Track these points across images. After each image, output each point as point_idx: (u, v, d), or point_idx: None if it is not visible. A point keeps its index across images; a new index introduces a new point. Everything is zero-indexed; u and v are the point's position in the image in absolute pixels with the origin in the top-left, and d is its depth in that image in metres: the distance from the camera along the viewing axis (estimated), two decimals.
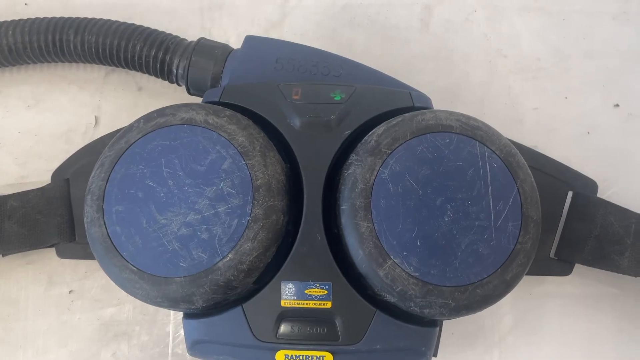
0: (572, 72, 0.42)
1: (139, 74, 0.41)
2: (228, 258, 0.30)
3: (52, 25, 0.38)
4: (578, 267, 0.37)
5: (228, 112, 0.32)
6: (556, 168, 0.37)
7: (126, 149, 0.32)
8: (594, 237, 0.37)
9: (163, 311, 0.38)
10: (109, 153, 0.32)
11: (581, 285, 0.38)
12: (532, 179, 0.32)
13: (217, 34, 0.40)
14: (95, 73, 0.42)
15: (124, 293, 0.36)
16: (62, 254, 0.38)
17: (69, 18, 0.38)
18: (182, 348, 0.37)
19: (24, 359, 0.37)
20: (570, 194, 0.38)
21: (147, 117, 0.32)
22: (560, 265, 0.37)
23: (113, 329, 0.38)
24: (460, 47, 0.43)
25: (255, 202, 0.30)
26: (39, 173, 0.40)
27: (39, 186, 0.39)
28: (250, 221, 0.30)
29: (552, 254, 0.37)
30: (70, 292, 0.38)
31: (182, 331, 0.37)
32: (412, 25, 0.43)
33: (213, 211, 0.30)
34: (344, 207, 0.31)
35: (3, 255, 0.37)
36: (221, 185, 0.30)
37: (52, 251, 0.38)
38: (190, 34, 0.39)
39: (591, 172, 0.38)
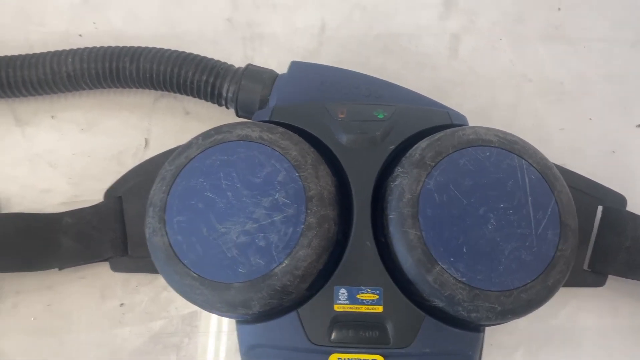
0: (594, 95, 0.44)
1: (186, 99, 0.43)
2: (284, 264, 0.31)
3: (109, 53, 0.41)
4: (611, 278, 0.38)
5: (280, 129, 0.34)
6: (586, 184, 0.39)
7: (186, 164, 0.34)
8: (625, 249, 0.38)
9: (212, 322, 0.39)
10: (170, 167, 0.34)
11: (614, 297, 0.39)
12: (568, 190, 0.33)
13: (258, 62, 0.42)
14: (144, 98, 0.44)
15: (172, 305, 0.37)
16: (115, 268, 0.39)
17: (125, 47, 0.41)
18: (230, 357, 0.38)
19: None
20: (600, 208, 0.39)
21: (205, 135, 0.34)
22: (593, 277, 0.39)
23: (162, 341, 0.39)
24: (487, 72, 0.45)
25: (309, 211, 0.32)
26: (92, 192, 0.41)
27: (92, 204, 0.40)
28: (304, 229, 0.31)
29: (585, 266, 0.39)
30: (121, 305, 0.39)
31: (227, 341, 0.38)
32: (441, 53, 0.45)
33: (269, 220, 0.32)
34: (391, 216, 0.32)
35: (60, 269, 0.39)
36: (276, 196, 0.32)
37: (103, 265, 0.39)
38: (234, 62, 0.42)
39: (618, 188, 0.39)
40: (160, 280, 0.40)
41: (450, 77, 0.45)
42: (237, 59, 0.43)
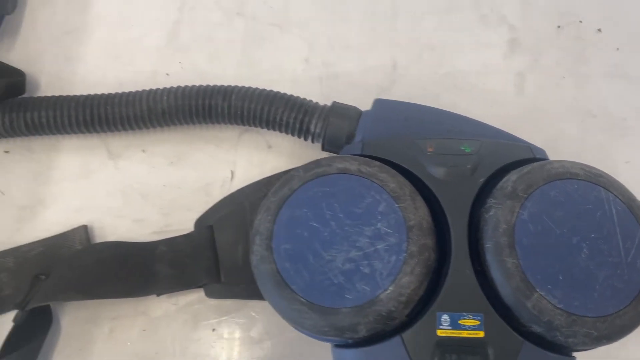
0: None
1: (268, 133, 0.45)
2: (389, 290, 0.32)
3: (202, 91, 0.43)
4: None
5: (377, 163, 0.36)
6: None
7: (290, 195, 0.35)
8: None
9: (300, 346, 0.40)
10: (274, 198, 0.36)
11: None
12: None
13: (334, 99, 0.44)
14: (229, 133, 0.46)
15: (262, 331, 0.39)
16: (210, 294, 0.41)
17: (216, 85, 0.43)
18: None
19: None
20: None
21: (306, 168, 0.36)
22: None
23: None
24: (552, 108, 0.47)
25: (410, 240, 0.33)
26: (182, 222, 0.43)
27: (183, 233, 0.42)
28: (407, 257, 0.33)
29: None
30: (213, 330, 0.41)
31: None
32: (507, 90, 0.47)
33: (373, 248, 0.33)
34: (488, 245, 0.34)
35: (158, 295, 0.40)
36: (378, 225, 0.34)
37: (196, 292, 0.41)
38: (312, 99, 0.44)
39: None
40: (252, 307, 0.41)
41: (518, 112, 0.46)
42: (315, 97, 0.45)
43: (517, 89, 0.47)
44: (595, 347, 0.34)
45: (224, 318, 0.41)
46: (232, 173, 0.45)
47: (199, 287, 0.41)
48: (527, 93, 0.47)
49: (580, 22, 0.49)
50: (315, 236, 0.34)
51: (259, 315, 0.41)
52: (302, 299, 0.33)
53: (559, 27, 0.49)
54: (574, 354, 0.34)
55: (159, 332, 0.41)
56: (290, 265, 0.34)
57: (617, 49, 0.48)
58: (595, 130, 0.46)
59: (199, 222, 0.43)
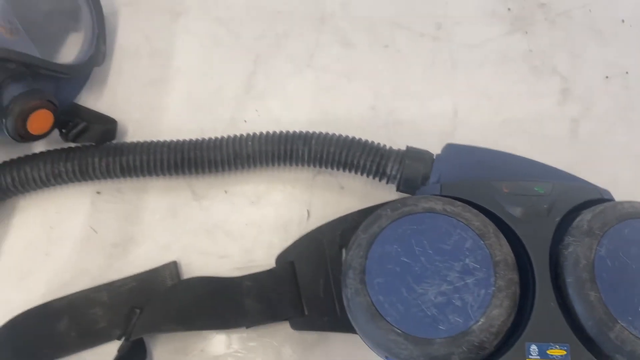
0: None
1: (340, 175, 0.48)
2: (480, 322, 0.34)
3: (283, 137, 0.46)
4: None
5: (460, 203, 0.39)
6: None
7: (379, 232, 0.38)
8: None
9: None
10: (364, 236, 0.38)
11: None
12: None
13: (400, 143, 0.47)
14: (305, 174, 0.49)
15: None
16: (295, 327, 0.43)
17: (296, 131, 0.46)
18: None
19: None
20: None
21: (393, 207, 0.39)
22: None
23: None
24: (604, 152, 0.50)
25: (497, 275, 0.36)
26: (263, 258, 0.45)
27: (265, 269, 0.45)
28: (495, 291, 0.35)
29: None
30: None
31: None
32: (562, 135, 0.50)
33: (463, 282, 0.36)
34: (569, 280, 0.36)
35: (247, 327, 0.42)
36: (466, 261, 0.36)
37: (279, 324, 0.43)
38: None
39: None
40: (333, 339, 0.43)
41: (573, 157, 0.49)
42: (382, 141, 0.47)
43: (571, 134, 0.50)
44: None
45: (307, 351, 0.43)
46: (308, 212, 0.47)
47: (285, 320, 0.42)
48: (581, 138, 0.50)
49: (627, 73, 0.52)
50: (406, 271, 0.36)
51: (340, 349, 0.42)
52: (397, 330, 0.35)
53: (607, 77, 0.52)
54: None
55: None
56: (384, 298, 0.36)
57: None
58: None
59: (280, 258, 0.45)
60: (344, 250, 0.44)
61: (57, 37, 0.51)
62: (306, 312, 0.43)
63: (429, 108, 0.52)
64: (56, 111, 0.45)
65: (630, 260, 0.36)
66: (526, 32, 0.54)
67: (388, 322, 0.35)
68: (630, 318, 0.34)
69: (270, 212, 0.48)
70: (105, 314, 0.44)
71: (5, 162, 0.47)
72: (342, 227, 0.45)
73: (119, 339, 0.41)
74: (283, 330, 0.43)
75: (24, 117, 0.43)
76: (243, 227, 0.47)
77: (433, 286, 0.36)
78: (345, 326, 0.41)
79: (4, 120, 0.43)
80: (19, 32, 0.46)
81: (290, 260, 0.45)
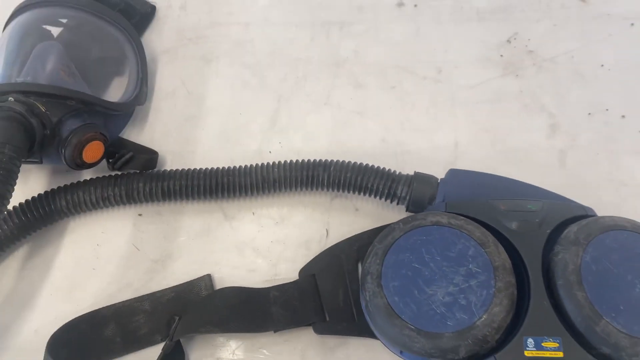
0: None
1: (354, 198, 0.54)
2: (483, 318, 0.39)
3: (305, 165, 0.52)
4: None
5: (462, 217, 0.44)
6: None
7: (393, 243, 0.43)
8: None
9: None
10: (380, 246, 0.43)
11: None
12: None
13: (408, 170, 0.52)
14: (323, 198, 0.54)
15: None
16: (317, 331, 0.47)
17: (317, 160, 0.52)
18: None
19: None
20: None
21: (405, 221, 0.44)
22: None
23: None
24: (590, 179, 0.55)
25: (497, 278, 0.41)
26: (287, 272, 0.50)
27: (289, 281, 0.49)
28: (495, 291, 0.40)
29: None
30: None
31: None
32: (552, 164, 0.56)
33: (467, 284, 0.41)
34: (559, 282, 0.41)
35: (274, 332, 0.47)
36: (470, 266, 0.41)
37: (302, 330, 0.47)
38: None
39: None
40: (352, 343, 0.47)
41: (561, 182, 0.54)
42: (391, 167, 0.53)
43: (560, 163, 0.56)
44: None
45: (328, 353, 0.47)
46: (327, 231, 0.53)
47: (308, 325, 0.47)
48: (568, 167, 0.56)
49: (607, 110, 0.59)
50: (418, 275, 0.41)
51: (358, 352, 0.47)
52: (411, 326, 0.40)
53: (589, 114, 0.59)
54: None
55: None
56: (399, 299, 0.41)
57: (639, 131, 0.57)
58: (629, 197, 0.54)
59: (303, 272, 0.50)
60: (359, 264, 0.49)
61: (107, 79, 0.58)
62: (327, 319, 0.47)
63: (432, 140, 0.57)
64: (106, 143, 0.51)
65: (612, 265, 0.41)
66: (517, 75, 0.61)
67: (403, 319, 0.40)
68: (613, 314, 0.39)
69: (293, 231, 0.53)
70: (147, 321, 0.48)
71: (59, 187, 0.52)
72: (358, 243, 0.50)
73: (165, 340, 0.45)
74: (306, 335, 0.48)
75: (80, 148, 0.49)
76: (269, 244, 0.52)
77: (441, 288, 0.41)
78: (362, 331, 0.46)
79: (62, 150, 0.49)
80: (75, 75, 0.53)
81: (312, 273, 0.49)
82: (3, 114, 0.46)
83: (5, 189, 0.43)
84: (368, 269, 0.43)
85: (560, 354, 0.39)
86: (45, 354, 0.43)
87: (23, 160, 0.46)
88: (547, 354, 0.39)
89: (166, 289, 0.50)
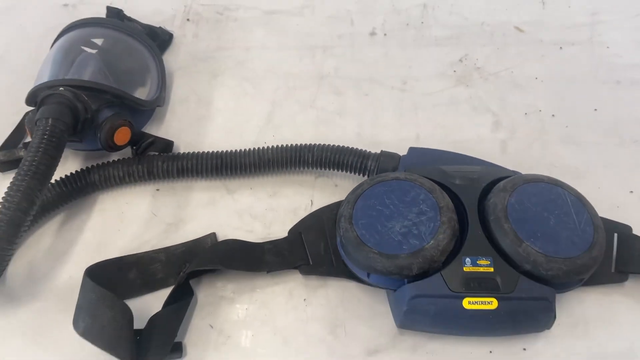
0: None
1: (334, 176, 0.65)
2: (431, 243, 0.50)
3: (293, 147, 0.63)
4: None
5: (416, 174, 0.55)
6: (607, 222, 0.57)
7: (362, 193, 0.54)
8: (636, 256, 0.56)
9: (368, 310, 0.55)
10: (351, 195, 0.54)
11: (633, 292, 0.56)
12: (594, 208, 0.53)
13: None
14: (308, 177, 0.65)
15: (339, 301, 0.55)
16: (303, 272, 0.57)
17: (303, 144, 0.64)
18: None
19: (273, 341, 0.54)
20: (615, 235, 0.58)
21: (371, 178, 0.55)
22: (619, 276, 0.56)
23: (332, 322, 0.55)
24: (527, 163, 0.66)
25: (442, 214, 0.51)
26: (278, 232, 0.60)
27: (281, 238, 0.60)
28: (440, 224, 0.51)
29: (612, 270, 0.56)
30: (304, 300, 0.56)
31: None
32: (495, 152, 0.67)
33: (418, 219, 0.51)
34: (491, 218, 0.51)
35: (267, 272, 0.56)
36: (420, 206, 0.52)
37: (291, 273, 0.57)
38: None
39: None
40: (330, 283, 0.57)
41: (504, 165, 0.66)
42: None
43: (502, 150, 0.68)
44: (566, 281, 0.50)
45: (312, 291, 0.57)
46: (312, 201, 0.63)
47: (295, 268, 0.57)
48: (508, 153, 0.67)
49: (540, 110, 0.71)
50: (380, 214, 0.52)
51: (334, 288, 0.57)
52: (375, 251, 0.50)
53: (526, 114, 0.71)
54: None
55: (267, 301, 0.56)
56: (366, 232, 0.51)
57: (566, 126, 0.70)
58: (557, 175, 0.65)
59: (292, 231, 0.60)
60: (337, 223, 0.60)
61: (134, 84, 0.70)
62: (311, 262, 0.57)
63: (398, 134, 0.69)
64: (133, 130, 0.63)
65: (531, 205, 0.52)
66: (467, 86, 0.74)
67: (368, 246, 0.50)
68: (532, 239, 0.50)
69: (283, 202, 0.64)
70: (163, 268, 0.58)
71: (93, 165, 0.63)
72: (336, 209, 0.61)
73: (179, 273, 0.55)
74: (294, 278, 0.57)
75: (112, 131, 0.61)
76: (264, 211, 0.63)
77: (398, 222, 0.51)
78: (339, 273, 0.56)
79: (98, 133, 0.60)
80: (108, 78, 0.65)
81: (299, 231, 0.60)
82: (56, 99, 0.57)
83: (56, 153, 0.55)
84: (342, 213, 0.53)
85: (491, 269, 0.49)
86: (83, 278, 0.53)
87: (68, 137, 0.58)
88: (481, 269, 0.49)
89: (178, 244, 0.59)
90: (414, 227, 0.51)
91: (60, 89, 0.59)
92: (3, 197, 0.52)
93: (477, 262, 0.50)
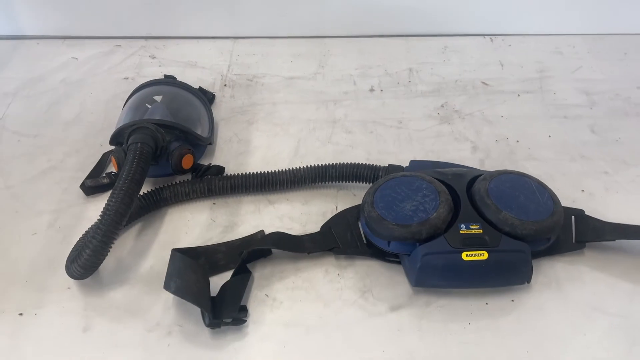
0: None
1: (353, 188, 0.82)
2: (434, 215, 0.66)
3: (321, 166, 0.80)
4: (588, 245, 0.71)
5: (418, 173, 0.73)
6: (567, 208, 0.74)
7: (379, 186, 0.70)
8: (591, 229, 0.72)
9: (388, 280, 0.70)
10: (371, 190, 0.71)
11: (590, 258, 0.72)
12: (553, 191, 0.70)
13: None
14: (332, 190, 0.82)
15: (365, 274, 0.69)
16: (335, 253, 0.71)
17: (330, 163, 0.81)
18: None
19: (316, 304, 0.67)
20: (573, 217, 0.75)
21: (384, 177, 0.72)
22: (579, 245, 0.72)
23: (361, 289, 0.69)
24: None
25: (440, 196, 0.68)
26: (312, 229, 0.76)
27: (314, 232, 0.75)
28: (439, 203, 0.67)
29: (573, 241, 0.72)
30: (337, 274, 0.71)
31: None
32: (475, 166, 0.85)
33: (423, 200, 0.68)
34: (477, 197, 0.68)
35: (308, 253, 0.71)
36: (424, 192, 0.69)
37: (325, 256, 0.72)
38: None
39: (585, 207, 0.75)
40: (358, 262, 0.72)
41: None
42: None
43: (480, 166, 0.85)
44: (537, 239, 0.66)
45: (345, 268, 0.71)
46: (336, 207, 0.79)
47: (329, 250, 0.72)
48: (486, 167, 0.85)
49: (507, 138, 0.90)
50: (394, 199, 0.68)
51: (359, 266, 0.71)
52: (392, 223, 0.66)
53: (497, 141, 0.90)
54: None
55: (308, 278, 0.70)
56: (385, 211, 0.67)
57: (529, 148, 0.89)
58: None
59: (323, 226, 0.75)
60: (358, 221, 0.76)
61: (192, 126, 0.88)
62: (340, 246, 0.72)
63: (398, 159, 0.86)
64: (195, 158, 0.80)
65: (505, 188, 0.69)
66: (449, 123, 0.94)
67: (387, 220, 0.66)
68: (509, 210, 0.66)
69: (314, 208, 0.79)
70: (224, 257, 0.72)
71: (164, 185, 0.80)
72: (357, 209, 0.77)
73: (244, 251, 0.69)
74: (327, 260, 0.72)
75: (181, 157, 0.78)
76: (299, 215, 0.78)
77: (408, 203, 0.68)
78: (363, 253, 0.71)
79: (170, 159, 0.77)
80: (175, 120, 0.83)
81: (329, 226, 0.75)
82: (142, 130, 0.75)
83: (145, 167, 0.71)
84: (365, 200, 0.70)
85: (480, 231, 0.65)
86: (171, 253, 0.67)
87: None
88: (473, 231, 0.65)
89: (236, 239, 0.74)
90: (420, 205, 0.67)
91: (144, 124, 0.76)
92: (108, 199, 0.67)
93: (470, 226, 0.66)
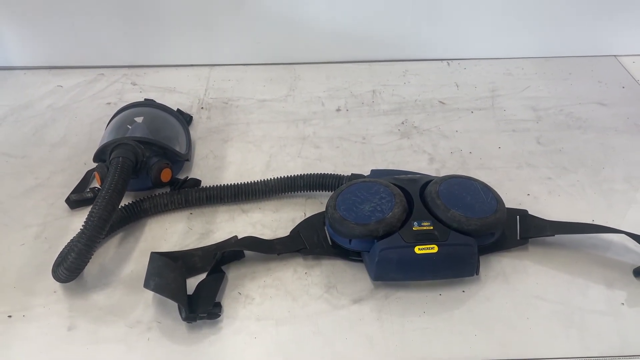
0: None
1: (320, 197, 0.88)
2: (389, 215, 0.72)
3: (289, 177, 0.87)
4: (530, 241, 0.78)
5: (376, 179, 0.79)
6: (512, 209, 0.82)
7: (342, 191, 0.77)
8: (533, 227, 0.80)
9: (351, 277, 0.76)
10: (334, 194, 0.77)
11: (534, 252, 0.79)
12: (498, 193, 0.78)
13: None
14: (300, 199, 0.88)
15: (331, 272, 0.76)
16: (303, 253, 0.77)
17: (298, 174, 0.87)
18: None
19: (285, 299, 0.73)
20: (517, 216, 0.82)
21: (346, 183, 0.79)
22: (523, 241, 0.79)
23: (327, 285, 0.75)
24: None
25: (395, 198, 0.74)
26: (282, 234, 0.82)
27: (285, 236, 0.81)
28: (394, 204, 0.74)
29: (518, 237, 0.79)
30: (305, 273, 0.76)
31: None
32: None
33: (380, 202, 0.74)
34: (428, 198, 0.75)
35: (278, 254, 0.77)
36: (381, 195, 0.75)
37: (293, 257, 0.78)
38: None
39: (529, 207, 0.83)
40: (324, 262, 0.78)
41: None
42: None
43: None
44: (482, 234, 0.72)
45: (311, 267, 0.77)
46: (305, 214, 0.86)
47: (297, 251, 0.78)
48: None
49: (461, 150, 0.98)
50: (355, 202, 0.75)
51: (324, 265, 0.77)
52: (353, 223, 0.72)
53: (451, 152, 0.98)
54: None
55: (279, 277, 0.76)
56: (346, 212, 0.73)
57: (480, 158, 0.97)
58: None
59: (292, 231, 0.81)
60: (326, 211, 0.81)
61: (170, 143, 0.94)
62: (308, 247, 0.78)
63: (362, 170, 0.94)
64: (173, 172, 0.86)
65: (454, 190, 0.76)
66: (408, 138, 1.01)
67: (348, 220, 0.72)
68: (456, 208, 0.73)
69: (284, 215, 0.85)
70: (200, 260, 0.77)
71: (144, 197, 0.85)
72: (323, 215, 0.83)
73: (218, 252, 0.75)
74: (296, 260, 0.78)
75: (159, 171, 0.84)
76: (270, 222, 0.84)
77: (367, 204, 0.74)
78: (328, 253, 0.77)
79: (150, 173, 0.83)
80: (154, 137, 0.89)
81: (297, 230, 0.81)
82: (124, 147, 0.81)
83: (127, 178, 0.77)
84: (329, 203, 0.76)
85: (431, 228, 0.72)
86: (151, 255, 0.72)
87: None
88: (425, 228, 0.71)
89: (211, 244, 0.80)
90: (378, 207, 0.74)
91: (125, 141, 0.82)
92: (92, 207, 0.72)
93: (422, 224, 0.72)
